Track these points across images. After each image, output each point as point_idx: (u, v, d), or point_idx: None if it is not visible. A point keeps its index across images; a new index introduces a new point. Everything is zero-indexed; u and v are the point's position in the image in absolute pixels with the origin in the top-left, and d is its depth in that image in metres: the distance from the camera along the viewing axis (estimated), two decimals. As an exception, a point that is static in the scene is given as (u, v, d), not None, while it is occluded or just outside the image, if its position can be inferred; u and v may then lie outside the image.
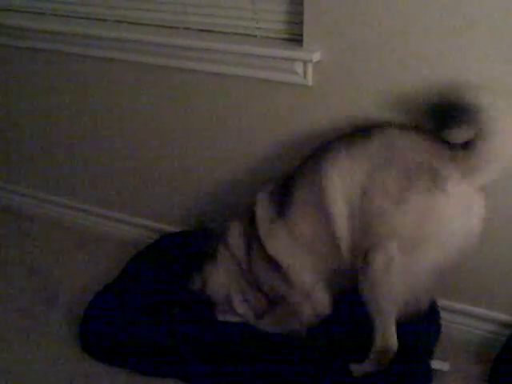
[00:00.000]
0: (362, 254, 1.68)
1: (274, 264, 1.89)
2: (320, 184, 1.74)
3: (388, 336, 1.76)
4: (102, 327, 2.11)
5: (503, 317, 2.11)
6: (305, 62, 1.98)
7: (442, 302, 2.14)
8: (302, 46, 1.98)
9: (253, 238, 1.96)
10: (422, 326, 1.95)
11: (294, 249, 1.85)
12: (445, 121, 1.64)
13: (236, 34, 2.15)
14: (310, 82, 2.01)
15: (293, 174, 1.90)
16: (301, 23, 1.96)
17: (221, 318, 2.10)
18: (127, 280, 2.31)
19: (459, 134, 1.61)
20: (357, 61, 1.92)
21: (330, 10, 1.88)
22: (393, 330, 1.76)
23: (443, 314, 2.11)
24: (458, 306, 2.17)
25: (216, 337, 2.03)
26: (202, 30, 2.21)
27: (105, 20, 2.40)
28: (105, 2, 2.36)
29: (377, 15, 1.83)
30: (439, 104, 1.66)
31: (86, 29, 2.37)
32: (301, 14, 1.94)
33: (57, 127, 2.74)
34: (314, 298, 1.89)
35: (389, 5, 1.80)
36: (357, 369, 1.85)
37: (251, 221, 1.96)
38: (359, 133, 1.77)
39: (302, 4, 1.92)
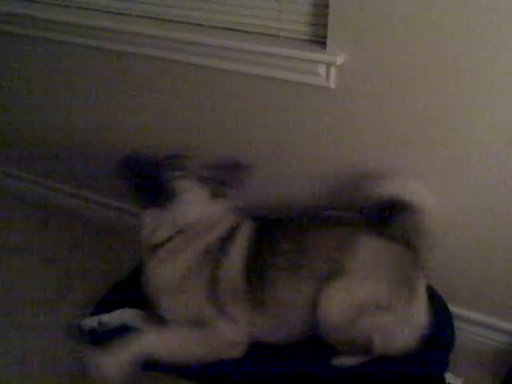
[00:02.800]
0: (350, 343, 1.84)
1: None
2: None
3: None
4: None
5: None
6: (328, 65, 1.97)
7: (456, 312, 2.13)
8: (325, 48, 1.97)
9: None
10: (436, 335, 1.93)
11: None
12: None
13: (259, 33, 2.14)
14: (332, 84, 2.00)
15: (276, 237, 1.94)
16: (325, 25, 1.95)
17: None
18: (139, 276, 2.31)
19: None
20: (380, 65, 1.91)
21: (355, 14, 1.87)
22: None
23: (458, 324, 2.10)
24: (474, 315, 2.16)
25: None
26: (227, 29, 2.21)
27: (128, 15, 2.40)
28: (129, -4, 2.37)
29: (402, 20, 1.82)
30: None
31: (105, 22, 2.37)
32: (326, 16, 1.93)
33: (73, 121, 2.76)
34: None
35: (413, 11, 1.79)
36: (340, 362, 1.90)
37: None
38: (344, 247, 1.86)
39: (327, 6, 1.91)
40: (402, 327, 1.83)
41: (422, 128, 1.94)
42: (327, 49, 1.96)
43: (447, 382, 1.91)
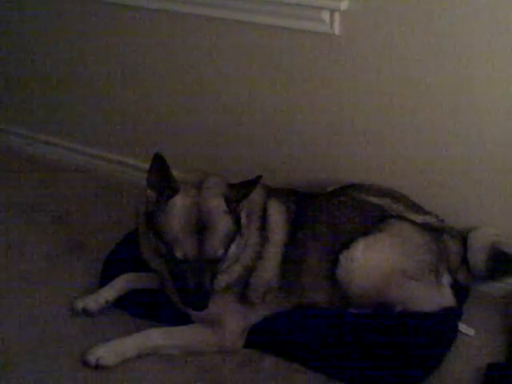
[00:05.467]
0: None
1: None
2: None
3: None
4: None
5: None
6: (332, 11, 1.96)
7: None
8: (329, -7, 1.94)
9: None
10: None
11: None
12: None
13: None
14: (336, 31, 1.99)
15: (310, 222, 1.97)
16: (329, -30, 1.91)
17: None
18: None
19: None
20: (386, 10, 1.89)
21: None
22: None
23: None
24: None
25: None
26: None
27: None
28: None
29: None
30: None
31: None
32: (329, -40, 1.89)
33: (83, 79, 2.77)
34: None
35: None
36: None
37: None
38: (376, 225, 1.93)
39: (330, -51, 1.87)
40: (426, 299, 1.89)
41: (425, 74, 1.92)
42: (331, -6, 1.93)
43: (460, 330, 1.93)
